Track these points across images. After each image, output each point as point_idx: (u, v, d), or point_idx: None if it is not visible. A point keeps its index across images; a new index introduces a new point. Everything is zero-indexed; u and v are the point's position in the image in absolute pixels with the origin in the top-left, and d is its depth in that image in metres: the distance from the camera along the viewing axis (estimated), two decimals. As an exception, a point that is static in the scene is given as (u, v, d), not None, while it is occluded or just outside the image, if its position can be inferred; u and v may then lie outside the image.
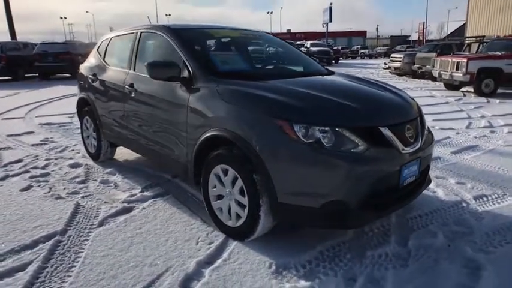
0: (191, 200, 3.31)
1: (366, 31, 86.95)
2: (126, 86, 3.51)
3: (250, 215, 2.42)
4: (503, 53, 10.13)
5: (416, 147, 2.50)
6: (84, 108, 4.48)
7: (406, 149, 2.40)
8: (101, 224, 2.87)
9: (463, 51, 14.12)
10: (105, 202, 3.30)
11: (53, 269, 2.30)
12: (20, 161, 4.52)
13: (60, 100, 10.17)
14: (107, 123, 4.02)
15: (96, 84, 4.08)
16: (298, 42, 34.58)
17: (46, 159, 4.55)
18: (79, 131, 6.13)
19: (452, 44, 16.31)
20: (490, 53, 10.53)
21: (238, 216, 2.55)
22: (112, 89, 3.79)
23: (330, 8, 42.55)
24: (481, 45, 13.33)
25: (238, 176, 2.45)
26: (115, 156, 4.57)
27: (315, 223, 2.31)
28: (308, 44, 30.51)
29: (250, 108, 2.38)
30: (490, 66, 9.78)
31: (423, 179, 2.79)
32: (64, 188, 3.62)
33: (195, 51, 3.02)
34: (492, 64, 9.82)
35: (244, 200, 2.45)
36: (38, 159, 4.59)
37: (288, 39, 27.20)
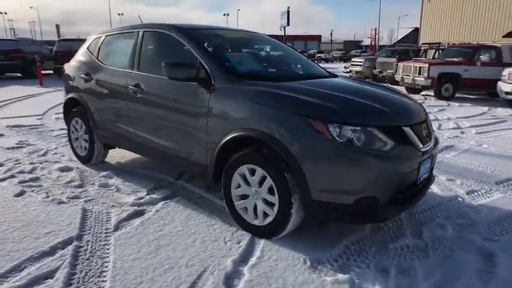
0: (202, 201, 3.30)
1: (321, 35, 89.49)
2: (130, 86, 3.43)
3: (281, 213, 2.48)
4: (460, 59, 10.95)
5: (430, 145, 2.69)
6: (73, 109, 4.29)
7: (423, 147, 2.57)
8: (117, 228, 2.79)
9: (420, 57, 15.05)
10: (112, 206, 3.20)
11: (83, 275, 2.21)
12: (0, 165, 4.23)
13: (21, 101, 9.56)
14: (103, 124, 3.88)
15: (91, 84, 3.93)
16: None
17: (30, 163, 4.30)
18: (54, 133, 5.91)
19: (409, 49, 17.30)
20: (448, 59, 11.33)
21: (265, 215, 2.59)
22: (111, 89, 3.68)
23: (288, 12, 43.37)
24: (437, 52, 14.28)
25: (268, 176, 2.50)
26: (106, 159, 4.42)
27: (347, 219, 2.42)
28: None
29: (283, 109, 2.44)
30: (449, 71, 10.53)
31: (430, 176, 3.00)
32: (62, 193, 3.46)
33: (211, 51, 3.03)
34: (451, 70, 10.58)
35: (274, 199, 2.50)
36: (20, 163, 4.32)
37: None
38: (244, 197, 2.71)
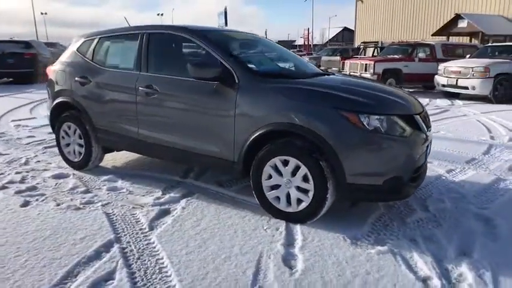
0: (221, 196, 3.42)
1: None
2: (141, 88, 3.43)
3: (316, 198, 2.71)
4: (401, 56, 12.02)
5: (431, 131, 3.10)
6: (63, 114, 4.12)
7: (427, 132, 2.97)
8: (151, 228, 2.82)
9: (360, 55, 16.17)
10: (133, 207, 3.19)
11: (143, 273, 2.26)
12: (-20, 177, 3.94)
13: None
14: (104, 127, 3.81)
15: (89, 87, 3.83)
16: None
17: (17, 173, 4.05)
18: (24, 141, 5.56)
19: (349, 48, 18.49)
20: (389, 56, 12.37)
21: (299, 202, 2.81)
22: (116, 91, 3.64)
23: (225, 12, 43.58)
24: (375, 50, 15.44)
25: (302, 165, 2.72)
26: (100, 164, 4.31)
27: (377, 197, 2.73)
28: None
29: (317, 103, 2.68)
30: (392, 67, 11.52)
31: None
32: (71, 199, 3.36)
33: (230, 52, 3.16)
34: (394, 66, 11.58)
35: (308, 186, 2.72)
36: (4, 173, 4.05)
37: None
38: (275, 187, 2.90)
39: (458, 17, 15.01)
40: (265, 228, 2.79)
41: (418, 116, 2.86)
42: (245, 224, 2.86)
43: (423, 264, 2.32)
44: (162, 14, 64.11)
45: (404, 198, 2.78)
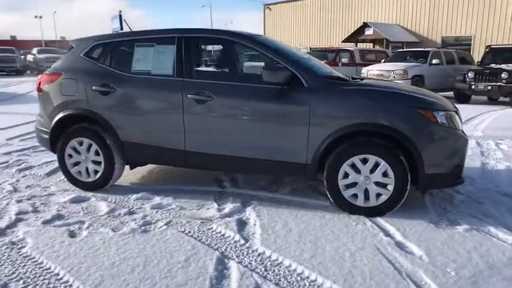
0: (278, 200, 3.43)
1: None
2: (189, 95, 3.24)
3: (397, 191, 2.96)
4: (325, 61, 13.06)
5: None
6: (69, 128, 3.61)
7: (460, 126, 3.47)
8: (246, 239, 2.73)
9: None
10: (202, 222, 3.02)
11: (295, 284, 2.22)
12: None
13: None
14: (134, 140, 3.47)
15: (115, 96, 3.44)
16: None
17: (18, 201, 3.42)
18: None
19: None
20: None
21: (378, 196, 3.02)
22: (154, 99, 3.38)
23: (120, 16, 41.31)
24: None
25: (383, 161, 2.94)
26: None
27: (446, 184, 3.12)
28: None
29: (396, 103, 2.94)
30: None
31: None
32: (122, 222, 3.01)
33: (291, 57, 3.22)
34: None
35: (388, 180, 2.96)
36: (2, 204, 3.39)
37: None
38: (352, 185, 3.06)
39: (365, 25, 17.01)
40: (354, 224, 2.93)
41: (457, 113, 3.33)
42: (332, 223, 2.95)
43: (504, 234, 2.75)
44: (41, 17, 57.44)
45: (462, 182, 3.19)
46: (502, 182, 3.92)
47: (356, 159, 3.00)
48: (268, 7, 24.07)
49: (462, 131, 3.16)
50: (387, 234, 2.78)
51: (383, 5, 18.44)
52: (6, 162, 4.71)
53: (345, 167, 3.03)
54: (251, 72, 4.46)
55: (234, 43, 3.34)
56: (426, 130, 2.91)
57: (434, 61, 11.34)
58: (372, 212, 3.05)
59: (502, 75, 9.50)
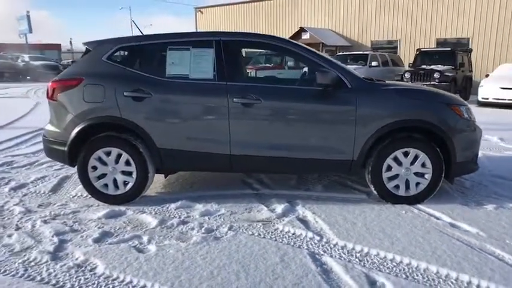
0: (318, 198, 3.57)
1: (60, 44, 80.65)
2: (235, 99, 3.22)
3: (434, 180, 3.30)
4: (272, 64, 13.48)
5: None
6: (93, 138, 3.33)
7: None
8: (320, 235, 2.83)
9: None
10: (263, 224, 3.04)
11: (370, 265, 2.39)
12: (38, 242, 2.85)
13: None
14: (174, 147, 3.33)
15: (151, 102, 3.26)
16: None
17: (45, 222, 3.08)
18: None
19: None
20: (262, 65, 13.68)
21: (417, 185, 3.33)
22: (197, 104, 3.30)
23: (28, 16, 37.48)
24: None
25: (422, 153, 3.26)
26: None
27: (469, 170, 3.53)
28: (26, 57, 26.33)
29: (434, 101, 3.29)
30: (267, 75, 12.82)
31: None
32: (183, 233, 2.90)
33: (330, 60, 3.39)
34: (270, 73, 12.90)
35: (426, 170, 3.29)
36: (26, 226, 3.02)
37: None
38: (394, 177, 3.33)
39: (302, 30, 17.82)
40: (404, 212, 3.21)
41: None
42: (385, 214, 3.18)
43: (529, 208, 3.25)
44: None
45: (478, 168, 3.64)
46: (491, 166, 4.55)
47: (399, 153, 3.28)
48: (200, 10, 23.88)
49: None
50: (438, 218, 3.10)
51: (315, 10, 19.52)
52: (-11, 181, 4.12)
53: (389, 161, 3.29)
54: (293, 75, 4.56)
55: (277, 47, 3.41)
56: (457, 123, 3.30)
57: (373, 63, 12.42)
58: (412, 201, 3.36)
59: (435, 75, 10.81)
